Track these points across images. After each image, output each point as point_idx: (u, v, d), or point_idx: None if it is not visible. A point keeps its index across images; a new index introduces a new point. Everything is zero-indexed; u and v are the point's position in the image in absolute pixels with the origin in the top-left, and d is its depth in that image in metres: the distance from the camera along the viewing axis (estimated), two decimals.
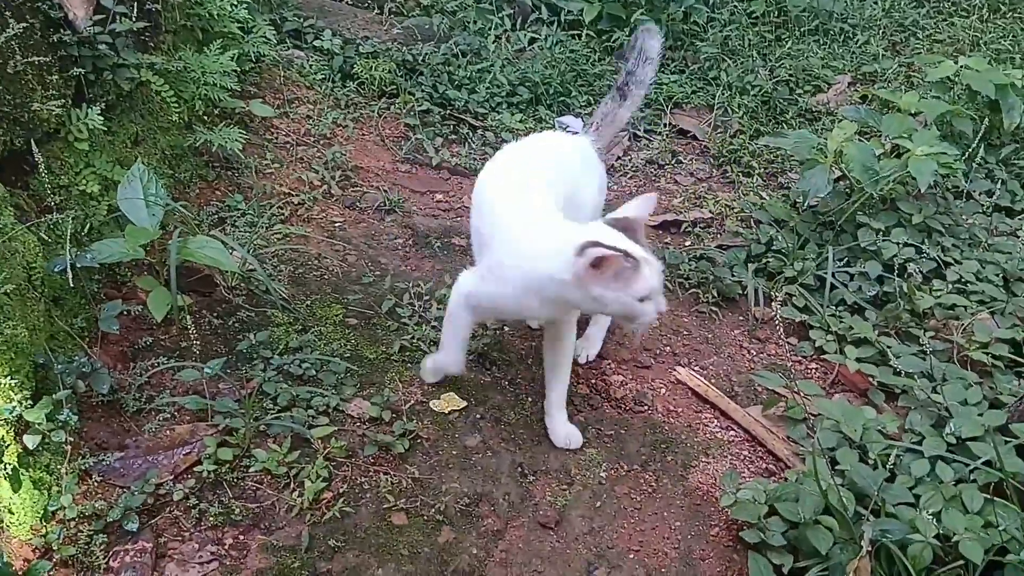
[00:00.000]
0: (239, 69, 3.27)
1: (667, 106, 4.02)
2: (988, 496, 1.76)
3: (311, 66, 3.80)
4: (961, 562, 1.65)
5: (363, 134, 3.56)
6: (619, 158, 3.71)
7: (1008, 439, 1.91)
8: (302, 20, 4.08)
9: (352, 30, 4.13)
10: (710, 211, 3.26)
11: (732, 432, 2.25)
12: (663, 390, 2.41)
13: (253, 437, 2.00)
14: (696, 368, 2.49)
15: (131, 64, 2.60)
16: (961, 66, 3.28)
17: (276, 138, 3.34)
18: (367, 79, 3.78)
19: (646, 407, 2.33)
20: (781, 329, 2.49)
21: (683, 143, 3.85)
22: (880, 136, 2.94)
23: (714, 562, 1.87)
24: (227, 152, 2.98)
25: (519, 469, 2.06)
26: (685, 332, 2.63)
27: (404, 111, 3.69)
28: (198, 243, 2.31)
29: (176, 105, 2.83)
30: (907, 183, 2.85)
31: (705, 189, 3.50)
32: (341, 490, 1.91)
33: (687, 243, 3.08)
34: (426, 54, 3.99)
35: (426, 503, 1.92)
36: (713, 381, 2.43)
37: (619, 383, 2.41)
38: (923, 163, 2.67)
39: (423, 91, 3.83)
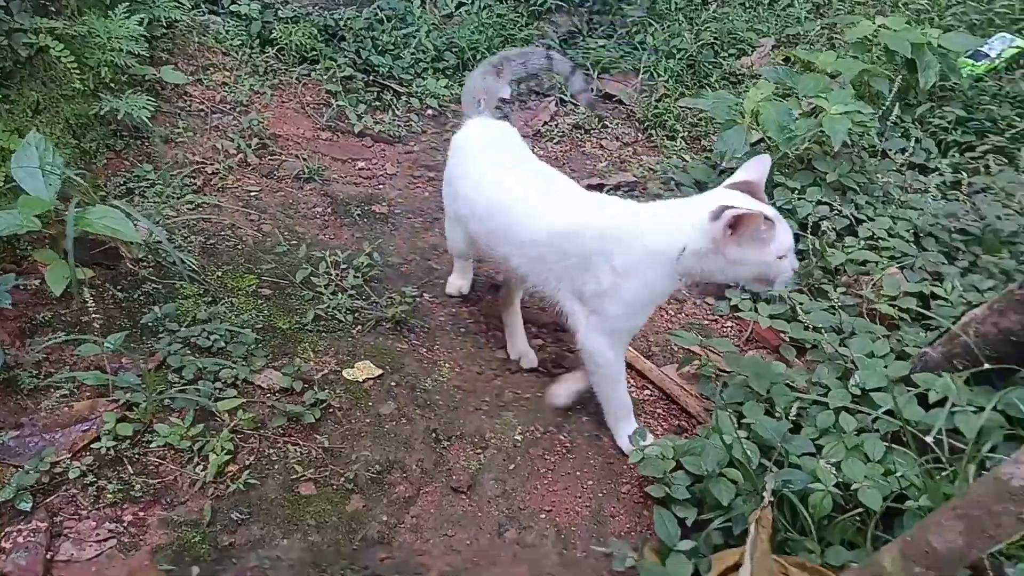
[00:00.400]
0: (148, 35, 3.15)
1: (594, 71, 4.00)
2: (889, 444, 1.79)
3: (228, 31, 3.69)
4: (861, 509, 1.68)
5: (282, 101, 3.47)
6: (545, 123, 3.68)
7: (910, 389, 1.94)
8: None
9: None
10: (634, 175, 3.25)
11: (647, 391, 2.26)
12: None
13: (156, 412, 1.95)
14: None
15: (28, 29, 2.49)
16: (879, 26, 3.31)
17: (189, 106, 3.24)
18: (286, 45, 3.68)
19: (565, 369, 2.33)
20: (697, 289, 2.52)
21: (610, 108, 3.83)
22: (799, 96, 2.95)
23: (624, 518, 1.88)
24: (135, 120, 2.87)
25: (433, 435, 2.04)
26: None
27: (326, 77, 3.61)
28: (98, 213, 2.22)
29: (79, 72, 2.71)
30: (823, 142, 2.87)
31: (630, 153, 3.49)
32: (247, 462, 1.87)
33: None
34: (348, 19, 3.90)
35: (336, 472, 1.89)
36: (630, 342, 2.43)
37: (539, 346, 2.39)
38: (837, 122, 2.69)
39: (346, 57, 3.75)
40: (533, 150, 3.40)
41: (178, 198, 2.73)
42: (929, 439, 1.75)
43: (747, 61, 3.96)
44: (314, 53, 3.70)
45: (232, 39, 3.64)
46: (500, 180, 2.10)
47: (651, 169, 3.29)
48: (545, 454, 2.04)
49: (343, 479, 1.87)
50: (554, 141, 3.55)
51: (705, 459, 1.73)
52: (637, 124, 3.70)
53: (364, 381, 2.15)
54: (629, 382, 2.30)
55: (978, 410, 1.76)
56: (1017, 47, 3.66)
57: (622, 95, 3.85)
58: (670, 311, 2.59)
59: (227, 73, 3.47)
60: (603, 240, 1.89)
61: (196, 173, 2.89)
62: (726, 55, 4.04)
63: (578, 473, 1.99)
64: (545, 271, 2.01)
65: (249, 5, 3.77)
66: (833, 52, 3.27)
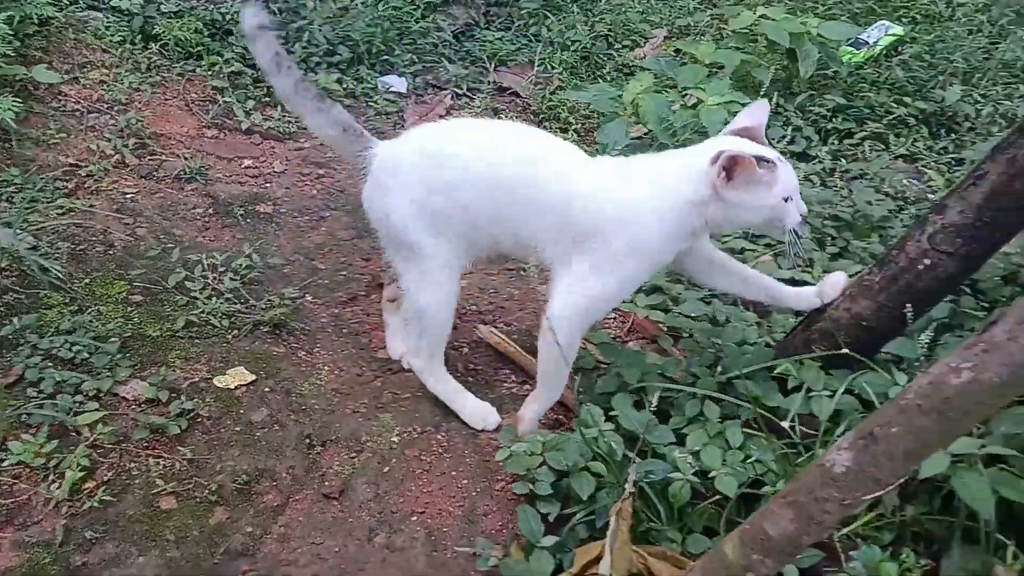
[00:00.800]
0: (17, 33, 3.02)
1: (491, 63, 3.99)
2: (749, 431, 1.83)
3: (108, 28, 3.54)
4: (719, 496, 1.72)
5: (165, 99, 3.36)
6: (441, 117, 3.65)
7: (774, 375, 1.99)
8: None
9: None
10: None
11: (527, 387, 2.26)
12: (465, 349, 2.40)
13: (11, 429, 1.87)
14: (499, 324, 2.49)
15: None
16: (759, 16, 3.38)
17: (64, 106, 3.11)
18: (170, 40, 3.56)
19: (446, 367, 2.32)
20: None
21: (505, 100, 3.82)
22: (680, 88, 2.99)
23: (497, 516, 1.88)
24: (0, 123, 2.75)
25: (307, 441, 2.01)
26: (492, 290, 2.63)
27: (211, 73, 3.51)
28: None
29: None
30: (705, 133, 2.92)
31: None
32: (106, 478, 1.82)
33: None
34: (236, 12, 3.79)
35: (200, 484, 1.85)
36: (515, 338, 2.43)
37: None
38: (714, 112, 2.74)
39: (233, 52, 3.65)
40: None
41: (47, 203, 2.62)
42: (785, 424, 1.80)
43: (640, 53, 4.00)
44: (200, 48, 3.59)
45: (112, 35, 3.50)
46: (518, 155, 1.91)
47: None
48: (421, 454, 2.03)
49: (207, 491, 1.83)
50: None
51: (567, 453, 1.75)
52: (532, 117, 3.70)
53: (236, 388, 2.11)
54: (509, 378, 2.32)
55: (833, 394, 1.82)
56: (894, 34, 3.79)
57: (518, 87, 3.85)
58: None
59: (106, 71, 3.34)
60: (600, 214, 1.82)
61: (68, 176, 2.78)
62: (620, 47, 4.07)
63: (453, 473, 1.99)
64: (550, 241, 1.89)
65: (131, 0, 3.64)
66: (712, 43, 3.33)
